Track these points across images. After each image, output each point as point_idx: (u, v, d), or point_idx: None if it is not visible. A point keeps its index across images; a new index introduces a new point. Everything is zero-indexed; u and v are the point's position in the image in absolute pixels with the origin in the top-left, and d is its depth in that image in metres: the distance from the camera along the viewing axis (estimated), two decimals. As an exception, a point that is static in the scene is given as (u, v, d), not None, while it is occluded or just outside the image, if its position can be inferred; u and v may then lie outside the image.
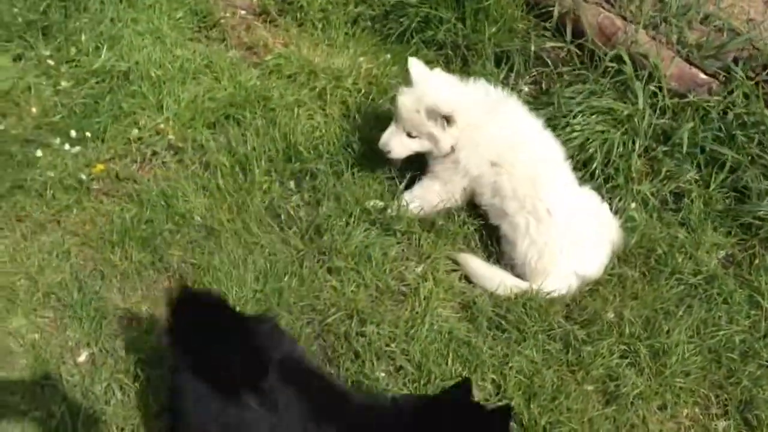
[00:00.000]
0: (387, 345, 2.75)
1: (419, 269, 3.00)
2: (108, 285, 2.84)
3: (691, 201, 3.20)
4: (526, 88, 3.61)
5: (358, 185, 3.17)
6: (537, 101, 3.46)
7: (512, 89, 3.51)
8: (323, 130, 3.38)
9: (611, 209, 3.17)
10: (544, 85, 3.58)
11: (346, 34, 3.87)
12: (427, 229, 3.10)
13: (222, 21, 3.83)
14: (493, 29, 3.63)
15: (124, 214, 3.01)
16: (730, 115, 3.26)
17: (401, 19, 3.78)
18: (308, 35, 3.86)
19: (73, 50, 3.49)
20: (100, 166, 3.12)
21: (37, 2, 3.61)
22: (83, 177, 3.07)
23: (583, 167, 3.26)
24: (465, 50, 3.68)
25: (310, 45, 3.78)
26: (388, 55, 3.72)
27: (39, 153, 3.11)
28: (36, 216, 2.97)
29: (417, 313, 2.85)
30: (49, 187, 3.02)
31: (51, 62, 3.44)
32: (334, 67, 3.61)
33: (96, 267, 2.89)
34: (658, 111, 3.30)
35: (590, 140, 3.25)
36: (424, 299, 2.88)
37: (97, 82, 3.42)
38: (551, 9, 3.60)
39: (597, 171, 3.24)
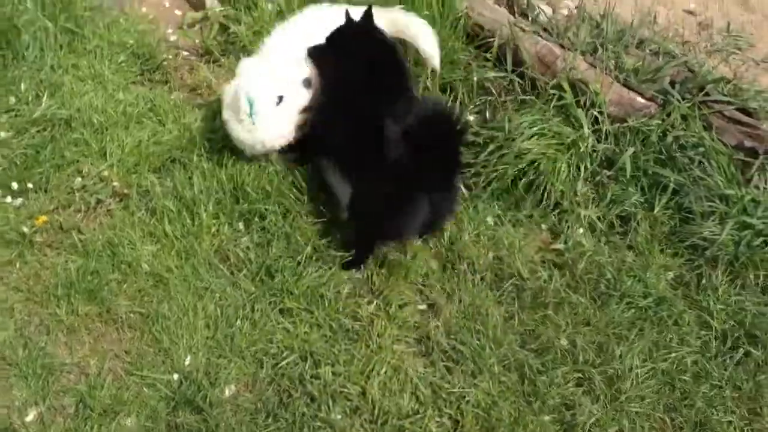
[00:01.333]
0: (342, 386, 2.73)
1: (372, 306, 2.99)
2: (54, 340, 2.77)
3: (638, 224, 3.23)
4: (471, 117, 3.63)
5: (307, 224, 3.15)
6: (484, 128, 3.47)
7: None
8: (270, 170, 3.36)
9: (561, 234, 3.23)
10: (488, 114, 3.60)
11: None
12: (378, 264, 3.10)
13: (165, 63, 3.81)
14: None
15: (68, 266, 2.95)
16: (670, 138, 3.31)
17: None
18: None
19: (12, 99, 3.43)
20: (43, 218, 3.06)
21: (-27, 52, 3.57)
22: (26, 230, 3.01)
23: (533, 191, 3.29)
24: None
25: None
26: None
27: (-21, 207, 3.05)
28: (-23, 273, 2.91)
29: (372, 350, 2.83)
30: (-10, 242, 2.96)
31: (-11, 112, 3.39)
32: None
33: (41, 322, 2.82)
34: (600, 136, 3.35)
35: (539, 164, 3.28)
36: (378, 336, 2.87)
37: (38, 131, 3.36)
38: (491, 40, 3.64)
39: (545, 195, 3.27)
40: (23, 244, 2.99)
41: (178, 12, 4.15)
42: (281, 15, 3.85)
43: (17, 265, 2.95)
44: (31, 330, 2.80)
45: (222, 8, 4.00)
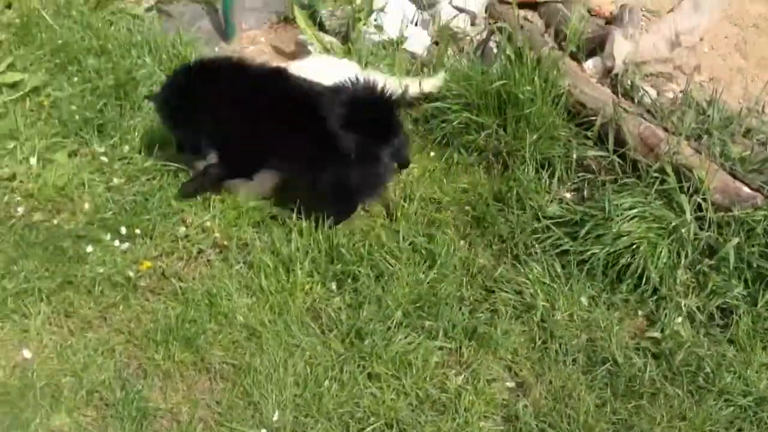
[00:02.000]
0: (427, 458, 2.71)
1: (460, 378, 2.97)
2: (150, 384, 2.83)
3: (739, 318, 3.13)
4: (568, 195, 3.63)
5: (399, 289, 3.17)
6: (581, 206, 3.46)
7: (554, 196, 3.57)
8: (364, 232, 3.41)
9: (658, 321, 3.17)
10: (586, 193, 3.59)
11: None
12: (468, 336, 3.09)
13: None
14: (535, 136, 3.68)
15: (168, 313, 3.03)
16: (776, 231, 3.24)
17: (443, 124, 3.85)
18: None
19: (126, 148, 3.60)
20: (148, 263, 3.17)
21: (93, 101, 3.76)
22: (131, 274, 3.12)
23: (630, 275, 3.25)
24: (506, 156, 3.73)
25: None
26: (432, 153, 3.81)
27: (89, 249, 3.16)
28: (84, 312, 3.00)
29: (458, 425, 2.80)
30: (97, 284, 3.06)
31: (105, 159, 3.54)
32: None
33: (139, 365, 2.89)
34: (703, 224, 3.29)
35: (638, 247, 3.24)
36: (465, 411, 2.84)
37: (147, 179, 3.50)
38: (592, 118, 3.65)
39: (643, 280, 3.22)
40: (128, 287, 3.09)
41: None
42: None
43: (121, 308, 3.05)
44: (130, 372, 2.87)
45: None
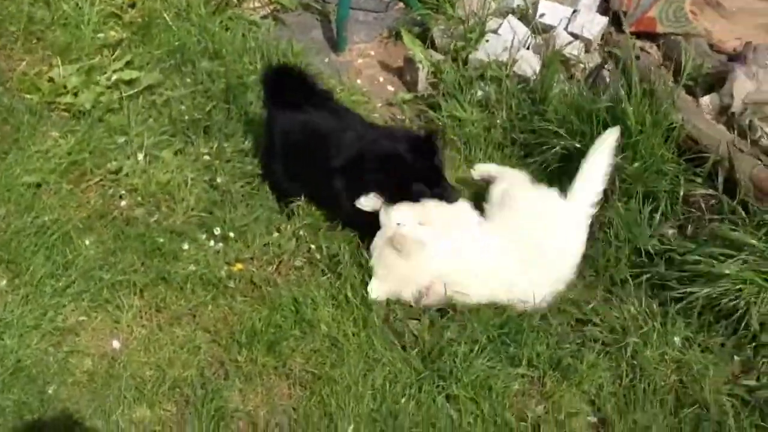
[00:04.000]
0: (504, 489, 2.65)
1: (540, 408, 2.89)
2: (231, 385, 2.88)
3: None
4: (671, 231, 3.48)
5: (484, 312, 3.11)
6: (685, 243, 3.34)
7: (656, 231, 3.44)
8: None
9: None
10: (690, 230, 3.44)
11: (489, 158, 3.88)
12: (552, 366, 3.00)
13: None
14: (640, 167, 3.56)
15: (254, 316, 3.07)
16: None
17: (543, 148, 3.77)
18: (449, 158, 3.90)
19: (229, 150, 3.68)
20: (239, 266, 3.23)
21: (202, 102, 3.88)
22: (222, 274, 3.18)
23: (729, 318, 3.12)
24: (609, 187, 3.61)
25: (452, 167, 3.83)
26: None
27: (185, 246, 3.25)
28: (174, 308, 3.09)
29: (536, 457, 2.74)
30: (189, 281, 3.14)
31: (208, 158, 3.64)
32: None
33: (222, 366, 2.95)
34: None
35: (741, 290, 3.09)
36: (544, 443, 2.77)
37: (248, 182, 3.58)
38: (704, 155, 3.50)
39: (742, 325, 3.07)
40: (219, 287, 3.16)
41: (390, 88, 4.32)
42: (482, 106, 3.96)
43: (209, 307, 3.12)
44: (212, 371, 2.93)
45: (433, 92, 4.12)
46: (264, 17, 4.56)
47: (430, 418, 2.83)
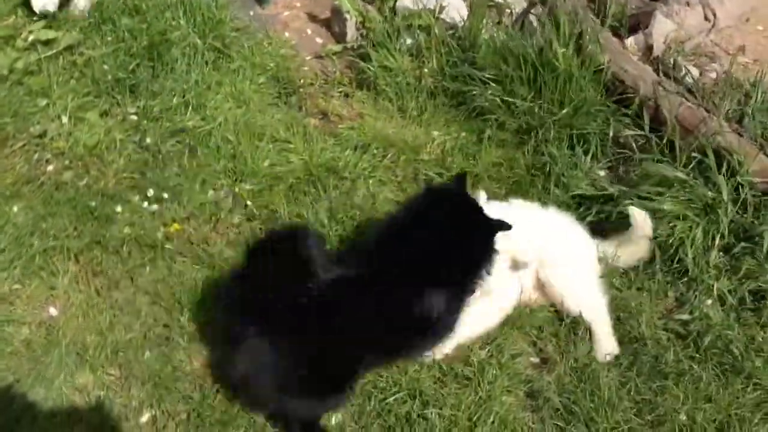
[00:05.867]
0: (448, 430, 2.69)
1: (484, 352, 2.94)
2: (175, 346, 2.83)
3: (771, 302, 3.08)
4: (602, 173, 3.56)
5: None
6: (616, 184, 3.42)
7: (587, 174, 3.50)
8: (396, 201, 3.38)
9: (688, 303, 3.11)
10: (621, 170, 3.53)
11: (421, 107, 3.88)
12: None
13: (301, 89, 3.91)
14: (570, 110, 3.62)
15: (194, 276, 3.03)
16: (815, 213, 3.16)
17: (474, 94, 3.79)
18: (382, 108, 3.89)
19: (157, 109, 3.59)
20: (177, 226, 3.17)
21: (126, 61, 3.74)
22: (159, 236, 3.11)
23: (662, 255, 3.22)
24: (539, 131, 3.66)
25: (386, 117, 3.82)
26: (463, 133, 3.74)
27: (118, 209, 3.17)
28: (111, 272, 3.01)
29: (481, 398, 2.78)
30: (125, 244, 3.07)
31: (135, 118, 3.54)
32: (406, 139, 3.66)
33: (166, 327, 2.90)
34: (739, 206, 3.22)
35: (674, 227, 3.20)
36: (488, 384, 2.82)
37: (178, 141, 3.50)
38: (631, 95, 3.57)
39: (674, 261, 3.19)
40: (156, 248, 3.09)
41: (318, 40, 4.26)
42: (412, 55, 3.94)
43: (148, 269, 3.04)
44: (155, 333, 2.87)
45: (363, 42, 4.08)
46: (185, -29, 4.41)
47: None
